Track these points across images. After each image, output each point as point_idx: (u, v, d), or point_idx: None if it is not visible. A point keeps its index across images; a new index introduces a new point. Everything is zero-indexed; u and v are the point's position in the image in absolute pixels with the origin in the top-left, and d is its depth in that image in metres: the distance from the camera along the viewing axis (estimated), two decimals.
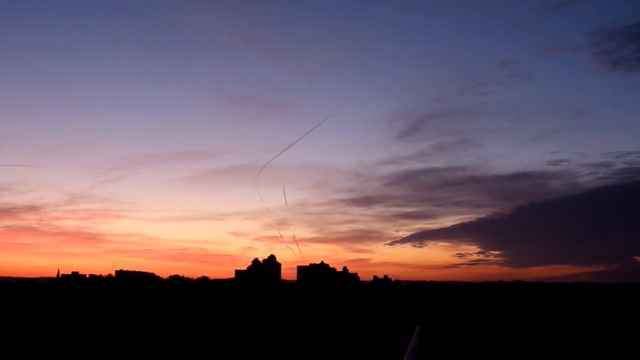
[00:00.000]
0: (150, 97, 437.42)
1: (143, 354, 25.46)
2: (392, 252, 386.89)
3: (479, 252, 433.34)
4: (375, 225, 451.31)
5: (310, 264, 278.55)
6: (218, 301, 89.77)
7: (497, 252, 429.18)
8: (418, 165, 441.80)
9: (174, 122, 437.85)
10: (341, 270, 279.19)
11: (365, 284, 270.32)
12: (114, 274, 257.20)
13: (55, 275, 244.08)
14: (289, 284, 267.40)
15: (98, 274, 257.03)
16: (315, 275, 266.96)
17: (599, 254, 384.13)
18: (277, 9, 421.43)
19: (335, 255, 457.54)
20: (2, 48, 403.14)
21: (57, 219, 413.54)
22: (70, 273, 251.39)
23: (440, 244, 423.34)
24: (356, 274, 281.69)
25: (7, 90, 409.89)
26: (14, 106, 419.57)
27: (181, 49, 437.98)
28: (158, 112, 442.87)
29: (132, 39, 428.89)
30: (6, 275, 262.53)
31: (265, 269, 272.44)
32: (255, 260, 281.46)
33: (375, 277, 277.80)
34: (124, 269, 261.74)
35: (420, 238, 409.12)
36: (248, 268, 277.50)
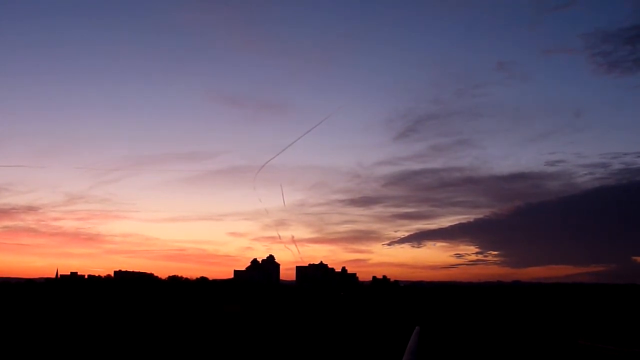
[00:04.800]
0: (148, 97, 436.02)
1: (142, 354, 25.48)
2: (390, 253, 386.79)
3: (477, 253, 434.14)
4: (374, 226, 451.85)
5: (309, 264, 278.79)
6: (216, 302, 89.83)
7: (495, 253, 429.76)
8: (416, 166, 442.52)
9: (173, 123, 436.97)
10: (340, 270, 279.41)
11: (364, 284, 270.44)
12: (112, 275, 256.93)
13: (54, 276, 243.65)
14: (287, 284, 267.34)
15: (97, 275, 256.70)
16: (314, 275, 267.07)
17: (597, 254, 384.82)
18: (276, 10, 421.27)
19: (334, 256, 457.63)
20: (2, 48, 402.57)
21: (56, 219, 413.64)
22: (69, 273, 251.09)
23: (438, 244, 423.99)
24: (355, 274, 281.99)
25: (7, 91, 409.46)
26: (13, 107, 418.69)
27: (180, 50, 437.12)
28: (157, 112, 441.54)
29: (132, 39, 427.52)
30: (5, 276, 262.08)
31: (264, 269, 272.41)
32: (254, 261, 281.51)
33: (374, 277, 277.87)
34: (122, 270, 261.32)
35: (418, 238, 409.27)
36: (247, 268, 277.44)
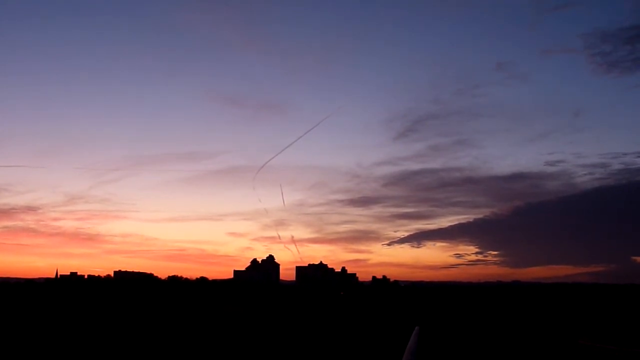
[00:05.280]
0: (148, 97, 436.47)
1: (142, 354, 25.46)
2: (390, 253, 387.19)
3: (477, 253, 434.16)
4: (373, 226, 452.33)
5: (309, 265, 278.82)
6: (216, 302, 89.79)
7: (495, 253, 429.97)
8: (415, 166, 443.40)
9: (172, 123, 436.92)
10: (340, 270, 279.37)
11: (364, 284, 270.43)
12: (112, 275, 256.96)
13: (53, 276, 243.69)
14: (287, 284, 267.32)
15: (97, 275, 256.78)
16: (314, 275, 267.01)
17: (596, 254, 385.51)
18: (276, 10, 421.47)
19: (334, 256, 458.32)
20: (2, 48, 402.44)
21: (56, 219, 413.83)
22: (68, 273, 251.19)
23: (438, 244, 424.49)
24: (355, 274, 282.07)
25: (6, 91, 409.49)
26: (13, 107, 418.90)
27: (179, 49, 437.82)
28: (156, 112, 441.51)
29: (132, 39, 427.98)
30: (5, 276, 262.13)
31: (263, 270, 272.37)
32: (254, 261, 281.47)
33: (373, 277, 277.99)
34: (122, 270, 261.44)
35: (418, 238, 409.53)
36: (247, 268, 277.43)
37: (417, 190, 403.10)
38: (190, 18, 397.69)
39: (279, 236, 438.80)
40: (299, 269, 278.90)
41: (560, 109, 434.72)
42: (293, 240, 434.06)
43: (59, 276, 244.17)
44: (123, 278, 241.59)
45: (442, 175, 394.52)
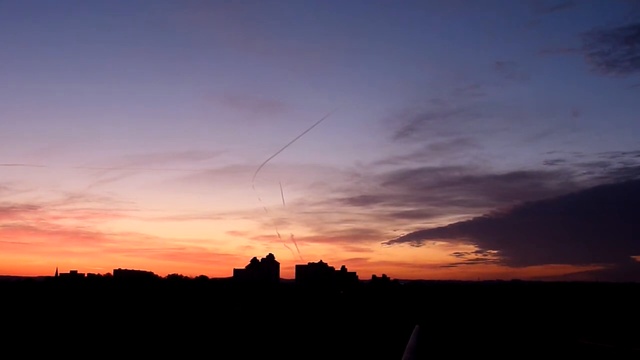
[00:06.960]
0: (148, 97, 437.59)
1: (142, 354, 25.47)
2: (390, 252, 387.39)
3: (476, 252, 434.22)
4: (373, 225, 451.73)
5: (309, 263, 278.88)
6: (216, 301, 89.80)
7: (494, 252, 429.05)
8: (415, 165, 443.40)
9: (172, 122, 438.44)
10: (339, 269, 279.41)
11: (363, 283, 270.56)
12: (112, 273, 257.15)
13: (53, 275, 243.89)
14: (287, 283, 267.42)
15: (96, 273, 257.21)
16: (314, 274, 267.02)
17: (596, 253, 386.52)
18: (274, 9, 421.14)
19: (334, 255, 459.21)
20: (1, 48, 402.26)
21: (56, 218, 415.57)
22: (68, 272, 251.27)
23: (438, 243, 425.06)
24: (354, 273, 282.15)
25: (6, 90, 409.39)
26: (13, 106, 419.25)
27: (178, 49, 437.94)
28: (156, 112, 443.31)
29: (130, 39, 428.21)
30: (5, 275, 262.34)
31: (263, 268, 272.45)
32: (254, 260, 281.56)
33: (373, 276, 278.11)
34: (122, 268, 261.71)
35: (418, 237, 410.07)
36: (246, 267, 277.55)
37: (417, 189, 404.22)
38: (189, 18, 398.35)
39: (279, 235, 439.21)
40: (299, 268, 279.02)
41: (560, 108, 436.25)
42: (293, 239, 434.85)
43: (58, 275, 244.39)
44: (123, 277, 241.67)
45: (442, 175, 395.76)
